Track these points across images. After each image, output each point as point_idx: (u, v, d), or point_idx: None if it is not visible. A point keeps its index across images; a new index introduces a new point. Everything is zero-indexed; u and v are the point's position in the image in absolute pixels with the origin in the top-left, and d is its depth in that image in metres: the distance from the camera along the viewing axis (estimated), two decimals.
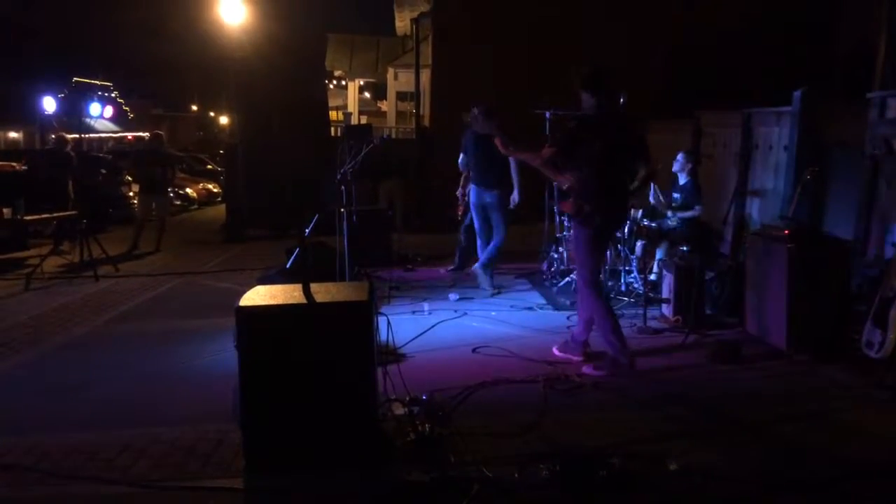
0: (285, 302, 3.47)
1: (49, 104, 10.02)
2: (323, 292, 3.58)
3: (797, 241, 5.12)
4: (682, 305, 5.91)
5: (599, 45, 12.32)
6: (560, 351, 5.14)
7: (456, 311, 6.51)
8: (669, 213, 7.16)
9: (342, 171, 6.33)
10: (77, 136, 12.38)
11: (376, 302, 3.73)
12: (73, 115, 10.23)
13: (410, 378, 4.24)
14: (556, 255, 7.62)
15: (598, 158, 4.75)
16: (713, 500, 3.19)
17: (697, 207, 7.17)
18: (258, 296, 3.58)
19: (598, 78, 4.82)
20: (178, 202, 16.76)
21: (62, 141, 11.17)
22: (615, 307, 6.42)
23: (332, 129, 16.09)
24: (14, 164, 10.61)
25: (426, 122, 16.35)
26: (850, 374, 4.73)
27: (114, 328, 6.21)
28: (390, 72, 27.45)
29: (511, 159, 6.92)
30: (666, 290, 6.21)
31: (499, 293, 7.18)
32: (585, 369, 4.84)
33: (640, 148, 4.97)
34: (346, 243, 6.12)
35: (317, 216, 6.15)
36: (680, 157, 7.36)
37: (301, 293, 3.54)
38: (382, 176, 12.37)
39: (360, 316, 3.42)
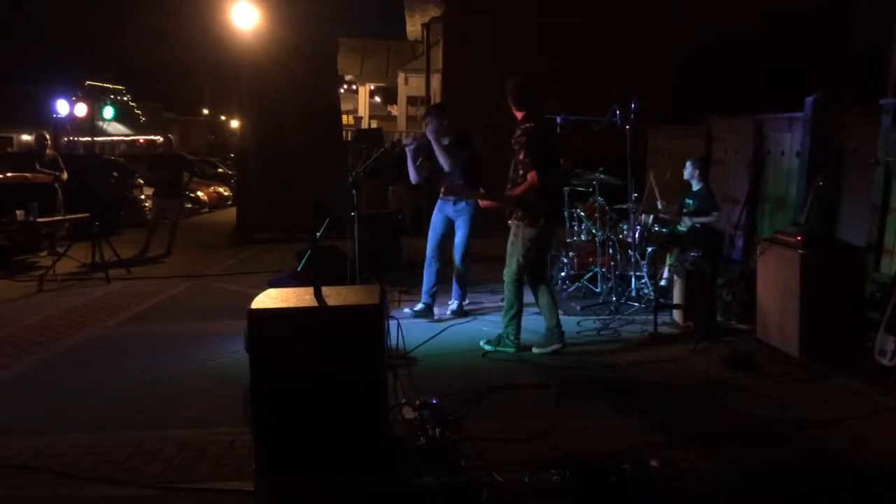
0: (297, 305, 3.49)
1: (62, 107, 10.02)
2: (334, 296, 3.59)
3: (810, 248, 5.09)
4: (693, 311, 5.89)
5: (608, 51, 12.36)
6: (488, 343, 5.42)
7: (466, 315, 6.50)
8: (686, 220, 7.16)
9: (353, 174, 6.34)
10: (89, 138, 12.36)
11: (387, 306, 3.73)
12: (85, 117, 10.15)
13: (420, 382, 4.25)
14: (566, 261, 7.61)
15: (544, 164, 5.10)
16: None
17: (714, 213, 7.17)
18: (270, 299, 3.59)
19: (531, 87, 5.27)
20: (189, 205, 16.83)
21: (42, 140, 10.67)
22: (626, 312, 6.45)
23: (344, 132, 16.14)
24: (27, 174, 10.54)
25: None
26: (862, 381, 4.69)
27: (125, 330, 6.23)
28: (401, 76, 27.58)
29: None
30: (677, 296, 6.18)
31: None
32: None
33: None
34: (356, 247, 6.13)
35: (328, 220, 6.16)
36: (688, 164, 7.38)
37: (312, 296, 3.55)
38: (393, 180, 12.40)
39: (371, 319, 3.42)
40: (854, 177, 6.78)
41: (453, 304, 6.50)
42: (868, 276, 5.86)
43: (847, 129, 6.99)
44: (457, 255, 6.35)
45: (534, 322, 5.61)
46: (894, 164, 6.17)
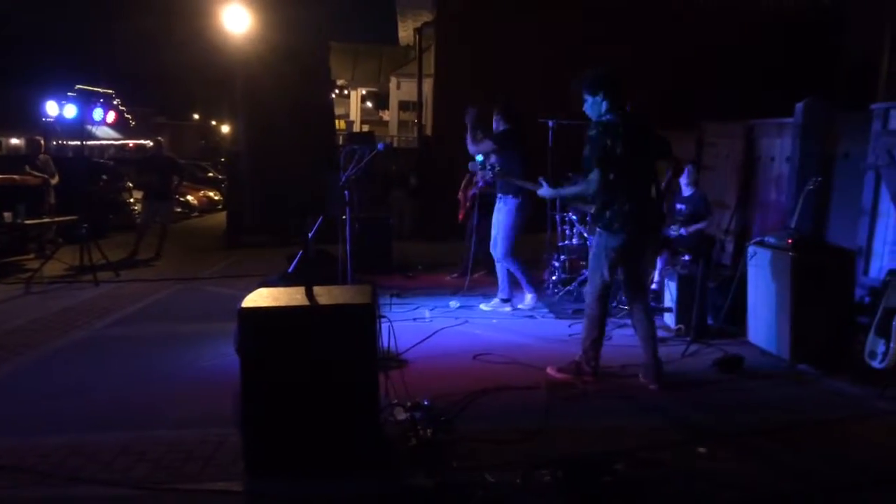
0: (288, 304, 3.46)
1: (52, 110, 9.92)
2: (325, 295, 3.57)
3: (800, 251, 5.11)
4: (684, 314, 5.90)
5: (602, 55, 12.38)
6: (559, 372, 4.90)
7: (457, 318, 6.49)
8: (674, 227, 7.13)
9: (344, 177, 6.31)
10: (79, 142, 12.27)
11: (379, 306, 3.71)
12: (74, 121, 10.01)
13: (412, 384, 4.22)
14: (557, 264, 7.61)
15: (622, 163, 4.50)
16: None
17: (705, 220, 7.12)
18: (261, 298, 3.56)
19: (611, 79, 4.66)
20: (179, 209, 16.75)
21: (36, 145, 10.75)
22: (617, 316, 6.44)
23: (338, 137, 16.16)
24: (14, 176, 10.45)
25: (428, 131, 16.39)
26: (852, 384, 4.71)
27: (113, 332, 6.18)
28: (393, 81, 27.54)
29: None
30: (668, 300, 6.19)
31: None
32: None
33: (663, 147, 4.85)
34: (348, 249, 6.10)
35: (320, 220, 6.14)
36: (690, 168, 7.33)
37: (304, 296, 3.53)
38: (393, 185, 12.49)
39: (363, 319, 3.40)
40: (844, 181, 6.82)
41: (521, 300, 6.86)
42: (857, 279, 5.88)
43: (837, 134, 7.03)
44: (493, 252, 6.74)
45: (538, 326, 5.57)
46: (884, 169, 6.21)
